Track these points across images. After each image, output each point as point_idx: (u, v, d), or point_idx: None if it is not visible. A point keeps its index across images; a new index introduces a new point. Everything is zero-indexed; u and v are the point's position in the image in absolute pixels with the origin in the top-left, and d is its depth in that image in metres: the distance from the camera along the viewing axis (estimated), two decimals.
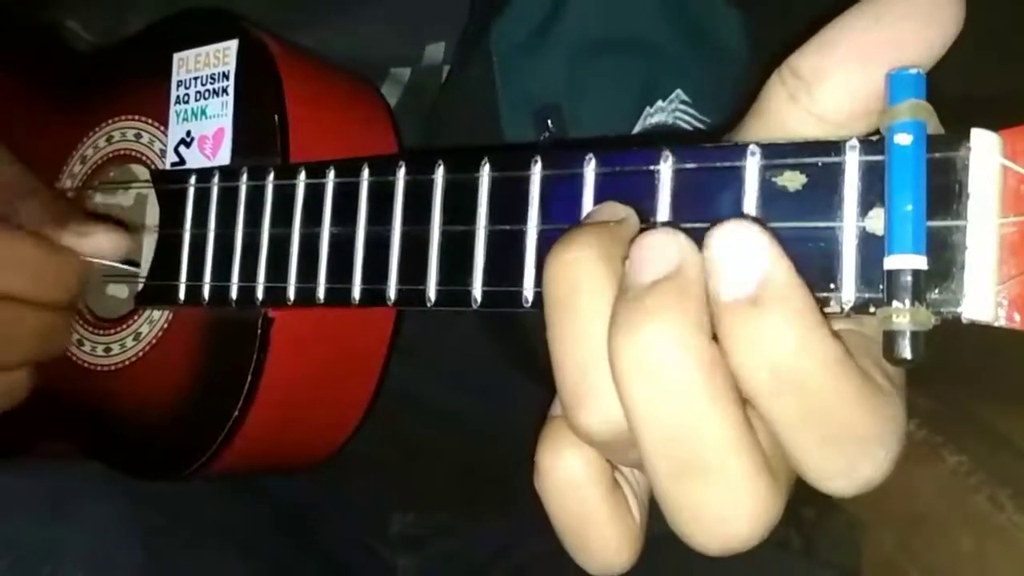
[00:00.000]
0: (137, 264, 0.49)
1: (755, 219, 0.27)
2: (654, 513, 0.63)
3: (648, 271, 0.26)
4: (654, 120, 0.55)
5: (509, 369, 0.61)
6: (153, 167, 0.50)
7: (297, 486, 0.66)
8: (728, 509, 0.26)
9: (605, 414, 0.27)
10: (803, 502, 0.80)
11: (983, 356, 0.70)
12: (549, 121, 0.53)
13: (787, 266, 0.25)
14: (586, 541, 0.29)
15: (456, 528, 0.70)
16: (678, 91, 0.55)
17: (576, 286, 0.27)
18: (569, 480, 0.29)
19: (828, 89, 0.28)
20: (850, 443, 0.26)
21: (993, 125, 0.26)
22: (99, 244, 0.49)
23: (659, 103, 0.55)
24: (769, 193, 0.28)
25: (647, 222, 0.30)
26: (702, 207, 0.29)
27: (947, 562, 0.68)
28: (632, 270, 0.26)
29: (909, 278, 0.25)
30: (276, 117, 0.45)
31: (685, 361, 0.25)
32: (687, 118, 0.55)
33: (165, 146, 0.50)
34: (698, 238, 0.29)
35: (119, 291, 0.51)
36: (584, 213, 0.31)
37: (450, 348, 0.62)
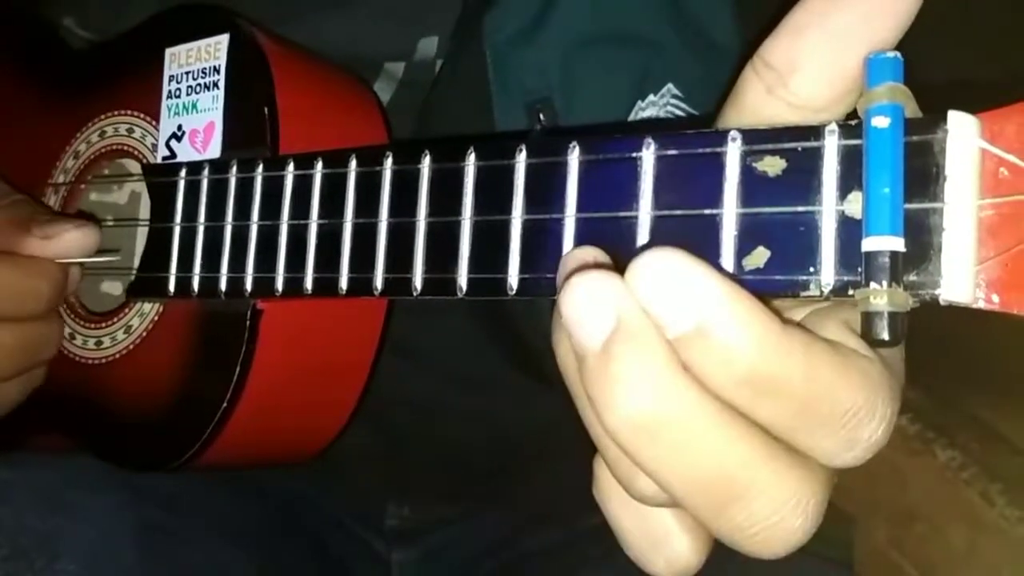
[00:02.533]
0: (118, 252, 0.49)
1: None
2: None
3: (593, 333, 0.25)
4: (646, 114, 0.55)
5: (502, 363, 0.61)
6: (145, 161, 0.51)
7: (292, 480, 0.66)
8: (777, 515, 0.26)
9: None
10: None
11: (975, 352, 0.70)
12: (541, 114, 0.53)
13: (719, 282, 0.24)
14: (650, 548, 0.30)
15: (450, 522, 0.70)
16: (669, 85, 0.55)
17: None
18: (630, 510, 0.29)
19: (802, 78, 0.28)
20: (842, 419, 0.26)
21: (976, 110, 0.26)
22: (66, 244, 0.48)
23: (651, 97, 0.55)
24: (749, 178, 0.28)
25: (631, 208, 0.30)
26: (684, 193, 0.29)
27: (938, 556, 0.68)
28: (577, 337, 0.26)
29: (887, 260, 0.25)
30: (266, 111, 0.46)
31: (675, 407, 0.25)
32: (679, 112, 0.56)
33: (156, 140, 0.50)
34: (681, 227, 0.29)
35: (113, 287, 0.51)
36: (569, 201, 0.32)
37: (442, 342, 0.63)
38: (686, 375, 0.25)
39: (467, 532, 0.69)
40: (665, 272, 0.25)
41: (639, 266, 0.25)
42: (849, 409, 0.26)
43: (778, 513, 0.26)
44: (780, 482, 0.26)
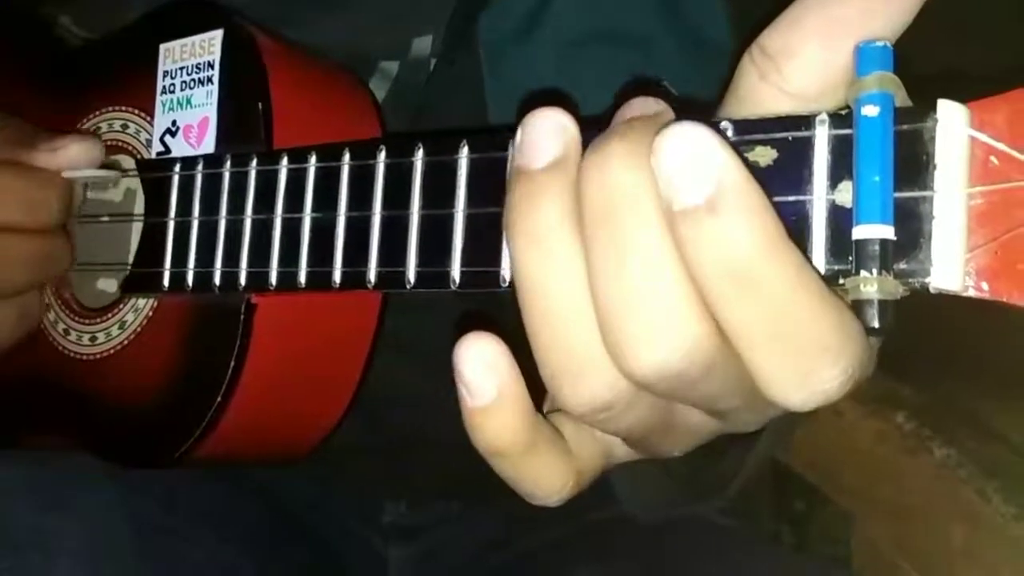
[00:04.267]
0: (120, 168, 0.50)
1: (704, 120, 0.26)
2: (662, 500, 0.63)
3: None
4: None
5: None
6: (139, 157, 0.51)
7: (290, 478, 0.66)
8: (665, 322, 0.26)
9: (595, 388, 0.28)
10: (794, 496, 0.80)
11: (972, 349, 0.70)
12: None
13: (740, 168, 0.25)
14: (523, 488, 0.31)
15: (448, 519, 0.70)
16: (664, 84, 0.56)
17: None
18: (500, 451, 0.31)
19: (797, 66, 0.28)
20: (809, 350, 0.25)
21: (966, 99, 0.26)
22: (73, 155, 0.49)
23: None
24: None
25: None
26: None
27: (936, 553, 0.68)
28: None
29: (876, 248, 0.25)
30: (260, 106, 0.46)
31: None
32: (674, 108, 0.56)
33: (151, 136, 0.50)
34: None
35: (107, 284, 0.51)
36: None
37: (438, 338, 0.62)
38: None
39: (465, 529, 0.69)
40: (693, 139, 0.25)
41: (670, 130, 0.25)
42: (818, 341, 0.25)
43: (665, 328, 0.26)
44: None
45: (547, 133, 0.28)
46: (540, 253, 0.28)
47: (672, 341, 0.26)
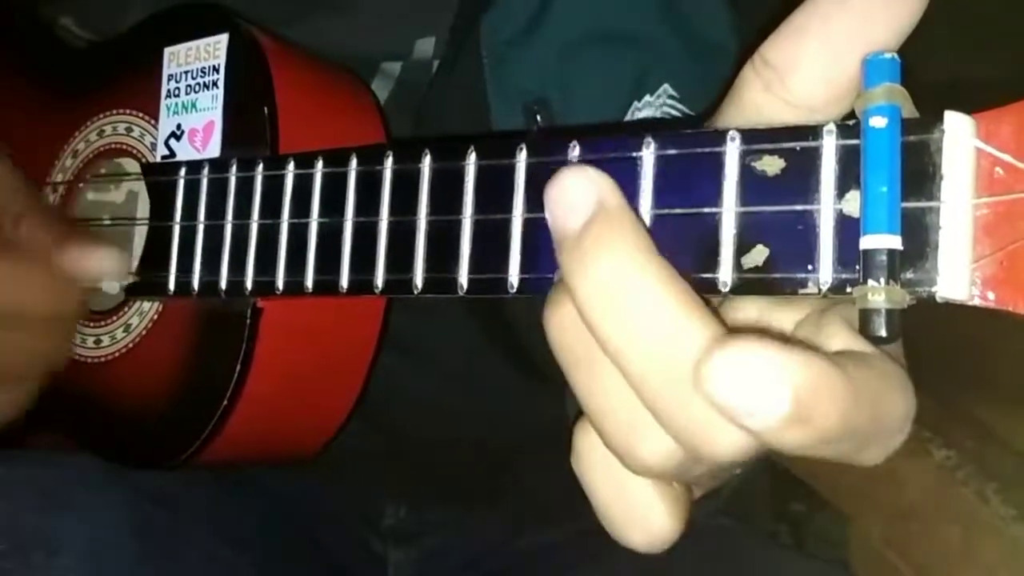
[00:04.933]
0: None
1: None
2: None
3: (572, 217, 0.28)
4: (642, 114, 0.56)
5: (501, 363, 0.61)
6: (144, 160, 0.51)
7: (291, 479, 0.66)
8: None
9: (661, 448, 0.28)
10: (792, 498, 0.80)
11: (972, 353, 0.70)
12: (538, 115, 0.54)
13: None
14: (629, 513, 0.30)
15: (449, 522, 0.70)
16: (666, 85, 0.56)
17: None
18: (608, 477, 0.29)
19: (801, 78, 0.28)
20: (889, 433, 0.27)
21: (972, 110, 0.27)
22: (97, 266, 0.48)
23: (647, 97, 0.56)
24: (748, 178, 0.29)
25: (630, 207, 0.30)
26: (683, 192, 0.30)
27: (934, 555, 0.68)
28: (558, 220, 0.28)
29: (884, 257, 0.25)
30: (266, 109, 0.46)
31: (647, 276, 0.26)
32: (675, 113, 0.56)
33: (155, 139, 0.50)
34: (680, 226, 0.29)
35: (112, 286, 0.51)
36: None
37: (442, 342, 0.63)
38: (659, 257, 0.26)
39: (465, 533, 0.69)
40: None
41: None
42: (899, 419, 0.26)
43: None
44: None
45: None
46: (567, 335, 0.28)
47: (734, 445, 0.26)
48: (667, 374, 0.26)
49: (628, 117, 0.55)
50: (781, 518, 0.78)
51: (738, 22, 0.57)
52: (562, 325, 0.28)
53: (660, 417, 0.27)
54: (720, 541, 0.66)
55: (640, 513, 0.29)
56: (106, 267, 0.49)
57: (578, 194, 0.28)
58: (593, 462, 0.30)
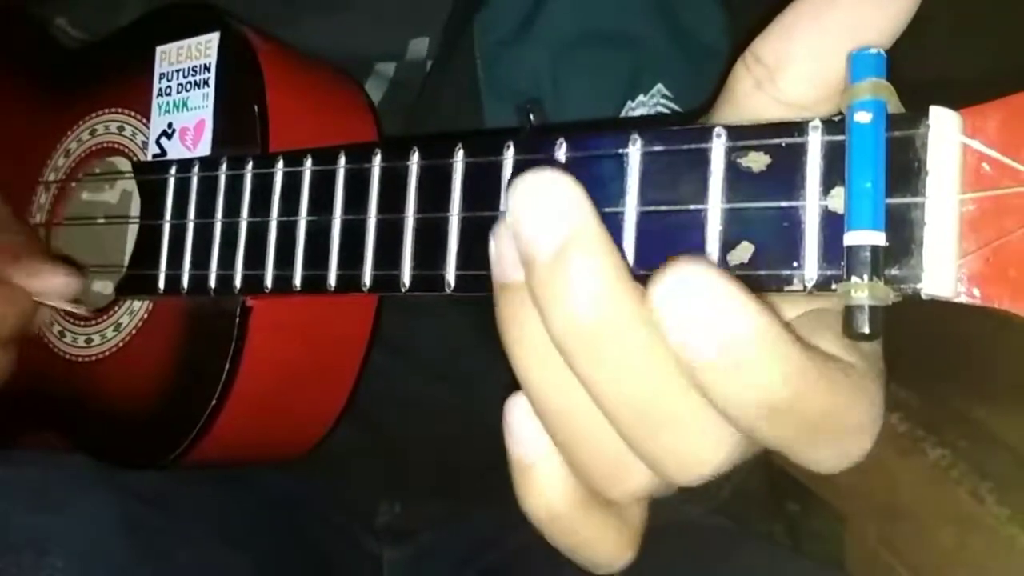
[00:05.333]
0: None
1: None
2: (658, 504, 0.63)
3: (543, 243, 0.25)
4: (636, 114, 0.56)
5: (492, 360, 0.61)
6: (135, 159, 0.51)
7: (284, 478, 0.66)
8: (701, 444, 0.26)
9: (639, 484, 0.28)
10: (787, 498, 0.80)
11: (965, 351, 0.70)
12: (532, 115, 0.54)
13: (752, 313, 0.24)
14: (589, 556, 0.30)
15: (442, 520, 0.70)
16: (659, 85, 0.56)
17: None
18: (555, 515, 0.29)
19: (791, 75, 0.28)
20: (844, 437, 0.26)
21: (958, 106, 0.27)
22: (48, 285, 0.49)
23: (640, 97, 0.56)
24: (734, 174, 0.29)
25: (617, 204, 0.30)
26: (670, 189, 0.30)
27: (928, 554, 0.68)
28: (525, 245, 0.26)
29: (868, 254, 0.25)
30: (256, 108, 0.46)
31: (626, 314, 0.25)
32: (668, 113, 0.56)
33: (147, 138, 0.50)
34: (667, 222, 0.29)
35: (103, 286, 0.51)
36: None
37: (433, 340, 0.63)
38: (637, 288, 0.25)
39: (458, 530, 0.69)
40: (698, 293, 0.24)
41: (671, 282, 0.24)
42: (856, 427, 0.26)
43: (704, 445, 0.26)
44: (709, 416, 0.26)
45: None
46: (531, 358, 0.28)
47: (714, 457, 0.26)
48: (641, 406, 0.26)
49: (622, 117, 0.55)
50: (776, 518, 0.77)
51: (730, 23, 0.57)
52: (525, 345, 0.27)
53: (637, 448, 0.27)
54: (715, 541, 0.66)
55: (591, 551, 0.30)
56: (53, 286, 0.49)
57: (552, 210, 0.25)
58: (537, 509, 0.30)
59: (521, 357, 0.28)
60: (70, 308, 0.50)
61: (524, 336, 0.27)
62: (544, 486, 0.29)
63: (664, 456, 0.27)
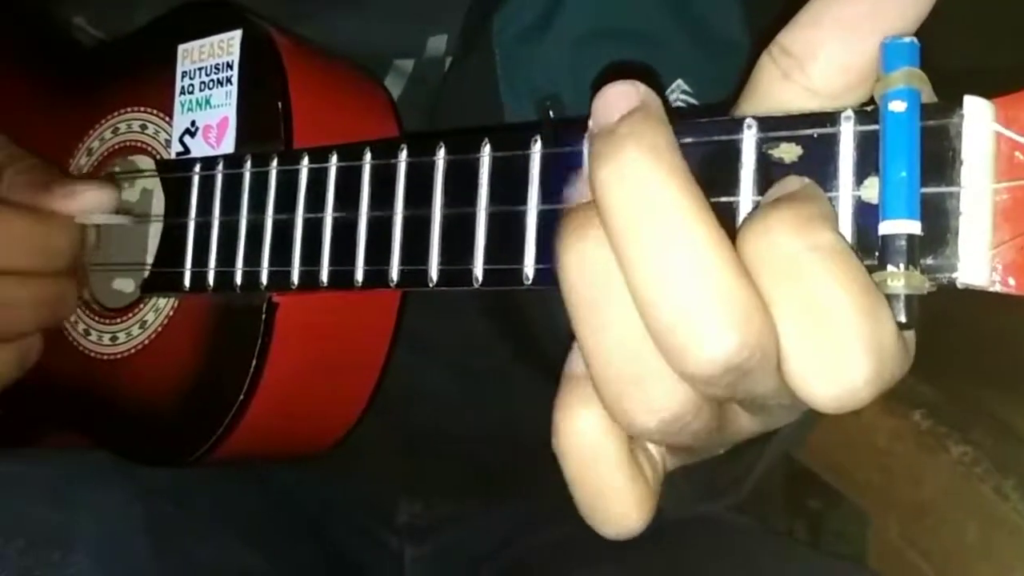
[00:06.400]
0: (134, 214, 0.50)
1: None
2: (684, 500, 0.63)
3: (612, 112, 0.28)
4: None
5: (514, 359, 0.61)
6: (158, 157, 0.51)
7: (304, 476, 0.66)
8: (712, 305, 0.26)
9: (662, 399, 0.27)
10: (808, 495, 0.80)
11: (990, 347, 0.70)
12: (551, 111, 0.54)
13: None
14: (600, 501, 0.30)
15: (463, 518, 0.70)
16: (679, 81, 0.56)
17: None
18: (587, 440, 0.29)
19: (820, 64, 0.28)
20: (843, 336, 0.25)
21: (991, 95, 0.26)
22: (88, 201, 0.49)
23: None
24: (766, 165, 0.29)
25: None
26: (701, 181, 0.29)
27: (952, 551, 0.68)
28: (599, 118, 0.28)
29: (903, 243, 0.25)
30: (280, 105, 0.46)
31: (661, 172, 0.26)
32: (690, 107, 0.56)
33: (170, 136, 0.50)
34: None
35: (126, 284, 0.52)
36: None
37: (455, 338, 0.63)
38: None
39: (479, 528, 0.69)
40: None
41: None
42: (853, 326, 0.25)
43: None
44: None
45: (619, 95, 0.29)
46: (583, 270, 0.28)
47: (728, 330, 0.25)
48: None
49: None
50: (797, 515, 0.77)
51: (749, 19, 0.57)
52: (582, 256, 0.27)
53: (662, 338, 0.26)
54: (736, 538, 0.66)
55: (610, 501, 0.30)
56: (92, 200, 0.49)
57: (622, 94, 0.28)
58: (574, 442, 0.30)
59: (569, 267, 0.28)
60: (116, 220, 0.51)
61: (579, 245, 0.28)
62: (588, 401, 0.29)
63: (685, 332, 0.26)
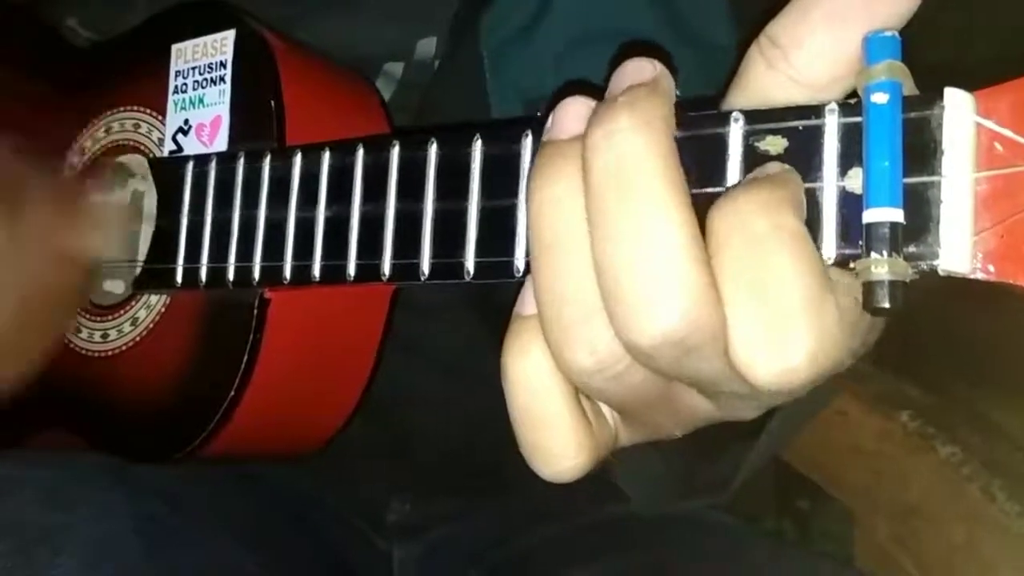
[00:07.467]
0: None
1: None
2: (661, 496, 0.63)
3: (624, 82, 0.29)
4: None
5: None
6: (151, 156, 0.51)
7: (295, 475, 0.66)
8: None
9: (603, 344, 0.28)
10: (796, 495, 0.81)
11: (978, 348, 0.70)
12: (539, 114, 0.54)
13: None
14: (542, 436, 0.30)
15: (452, 517, 0.70)
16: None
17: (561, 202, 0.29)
18: (534, 374, 0.30)
19: (806, 55, 0.29)
20: (787, 309, 0.26)
21: (971, 87, 0.27)
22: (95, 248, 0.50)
23: None
24: (752, 158, 0.29)
25: None
26: (688, 174, 0.30)
27: (939, 552, 0.68)
28: (613, 90, 0.29)
29: (886, 230, 0.26)
30: (272, 104, 0.46)
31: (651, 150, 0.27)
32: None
33: (163, 135, 0.51)
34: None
35: (115, 286, 0.52)
36: None
37: (445, 338, 0.63)
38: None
39: (468, 528, 0.69)
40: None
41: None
42: (799, 300, 0.26)
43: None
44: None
45: (575, 115, 0.30)
46: (555, 212, 0.29)
47: (674, 306, 0.26)
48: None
49: None
50: (785, 515, 0.78)
51: (736, 25, 0.57)
52: (556, 199, 0.29)
53: (611, 299, 0.27)
54: (724, 539, 0.66)
55: (551, 439, 0.30)
56: (100, 248, 0.50)
57: (638, 69, 0.29)
58: (521, 377, 0.30)
59: (542, 204, 0.29)
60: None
61: (551, 191, 0.29)
62: (538, 339, 0.30)
63: (632, 301, 0.27)
